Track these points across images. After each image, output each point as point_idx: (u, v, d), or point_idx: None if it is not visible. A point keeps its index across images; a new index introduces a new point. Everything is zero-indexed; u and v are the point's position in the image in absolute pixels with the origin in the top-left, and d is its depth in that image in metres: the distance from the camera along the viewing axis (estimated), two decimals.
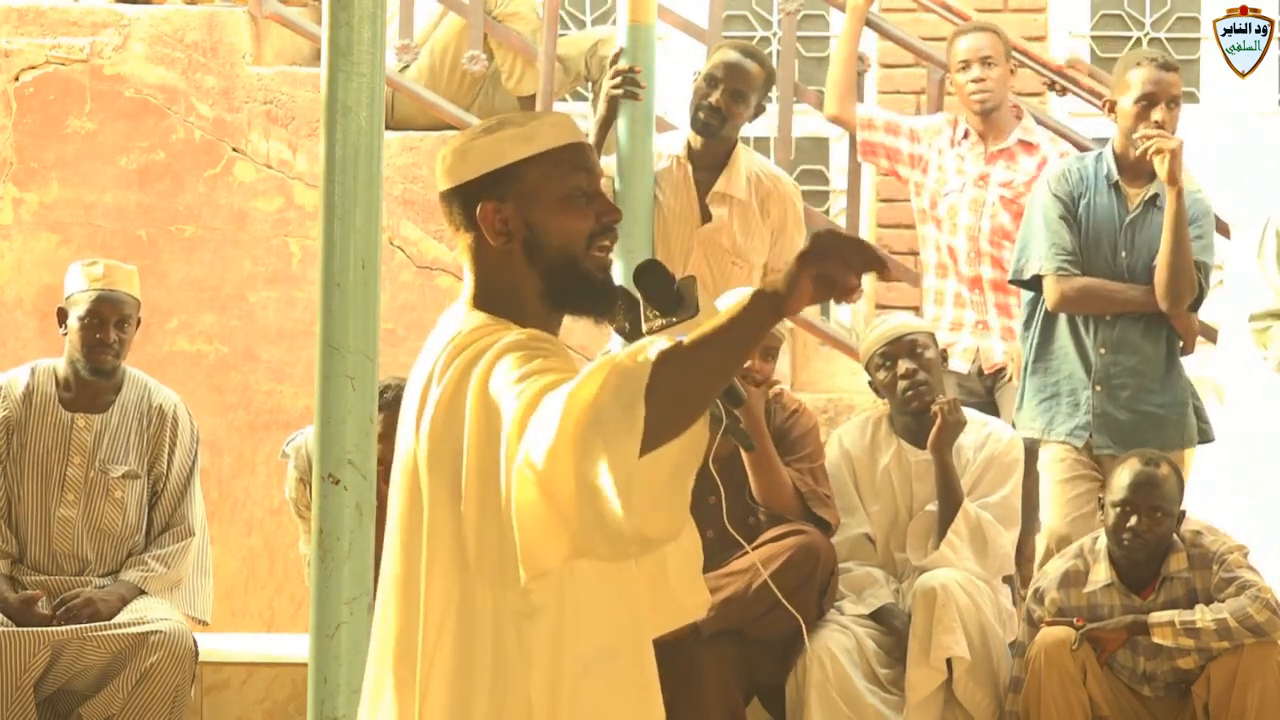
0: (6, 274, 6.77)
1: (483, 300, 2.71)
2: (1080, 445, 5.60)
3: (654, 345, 2.43)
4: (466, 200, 2.70)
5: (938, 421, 5.37)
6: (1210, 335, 6.24)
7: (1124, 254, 5.65)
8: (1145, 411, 5.62)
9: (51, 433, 5.51)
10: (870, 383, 5.59)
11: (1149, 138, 5.51)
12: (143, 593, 5.46)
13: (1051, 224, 5.64)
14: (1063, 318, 5.67)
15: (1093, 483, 5.50)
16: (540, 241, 2.68)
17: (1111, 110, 5.70)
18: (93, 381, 5.53)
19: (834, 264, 2.44)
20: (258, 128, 6.75)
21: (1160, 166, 5.48)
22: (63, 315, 5.56)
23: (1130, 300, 5.63)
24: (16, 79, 6.79)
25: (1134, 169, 5.67)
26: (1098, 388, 5.61)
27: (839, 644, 5.21)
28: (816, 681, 5.14)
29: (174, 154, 6.75)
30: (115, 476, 5.51)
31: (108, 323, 5.48)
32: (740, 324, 2.44)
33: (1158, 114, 5.57)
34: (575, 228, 2.68)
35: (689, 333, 2.49)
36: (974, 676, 5.22)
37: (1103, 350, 5.62)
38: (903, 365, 5.45)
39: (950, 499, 5.39)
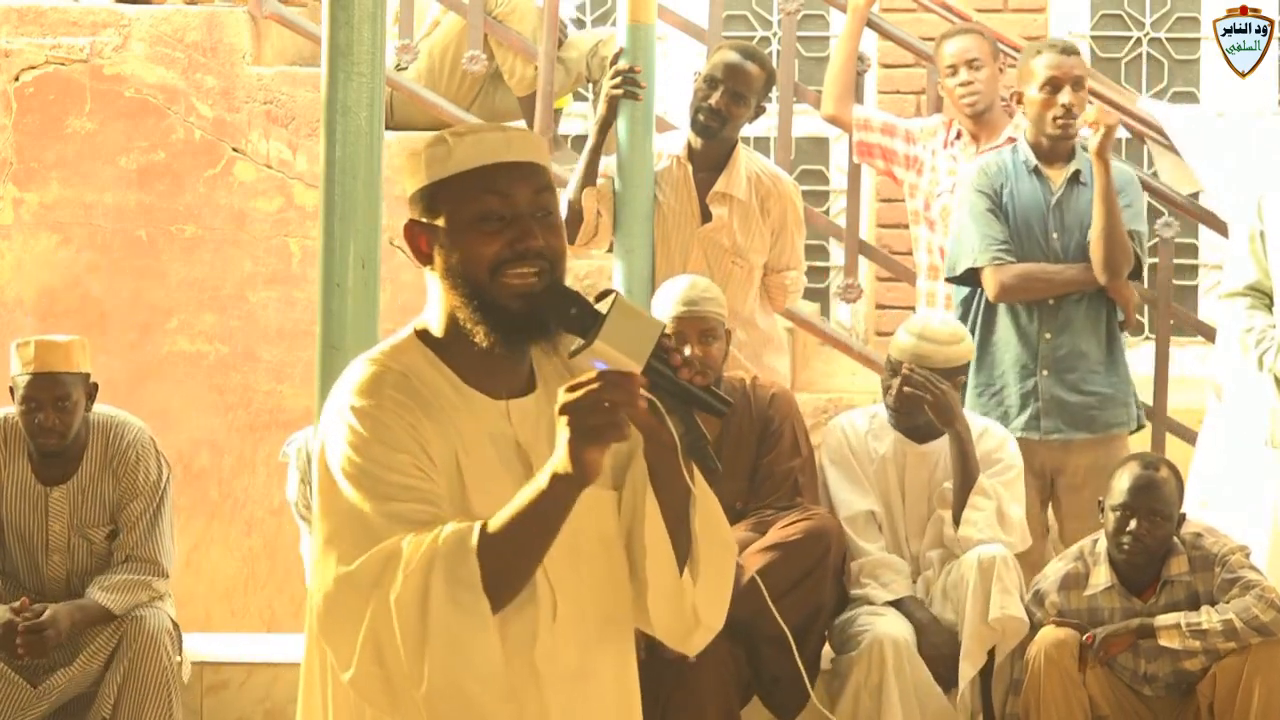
0: (6, 274, 6.77)
1: (422, 323, 2.64)
2: (1036, 439, 5.61)
3: (460, 539, 2.43)
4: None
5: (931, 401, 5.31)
6: (1208, 334, 6.25)
7: (1055, 235, 5.69)
8: (1092, 391, 5.67)
9: (27, 502, 5.36)
10: (887, 361, 5.48)
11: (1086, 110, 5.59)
12: (106, 609, 5.29)
13: (979, 218, 5.69)
14: (1002, 308, 5.70)
15: (1034, 483, 5.53)
16: (450, 267, 2.57)
17: (1019, 101, 5.76)
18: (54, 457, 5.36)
19: (594, 411, 2.38)
20: (258, 128, 6.75)
21: (1093, 139, 5.53)
22: (13, 393, 5.35)
23: (1070, 280, 5.66)
24: (16, 79, 6.79)
25: (1050, 154, 5.73)
26: (1045, 372, 5.64)
27: (899, 629, 5.15)
28: (894, 667, 5.05)
29: (174, 154, 6.75)
30: (97, 540, 5.39)
31: (45, 406, 5.25)
32: (541, 507, 2.44)
33: (1064, 96, 5.64)
34: (479, 254, 2.54)
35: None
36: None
37: (1048, 335, 5.66)
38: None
39: (967, 472, 5.31)
